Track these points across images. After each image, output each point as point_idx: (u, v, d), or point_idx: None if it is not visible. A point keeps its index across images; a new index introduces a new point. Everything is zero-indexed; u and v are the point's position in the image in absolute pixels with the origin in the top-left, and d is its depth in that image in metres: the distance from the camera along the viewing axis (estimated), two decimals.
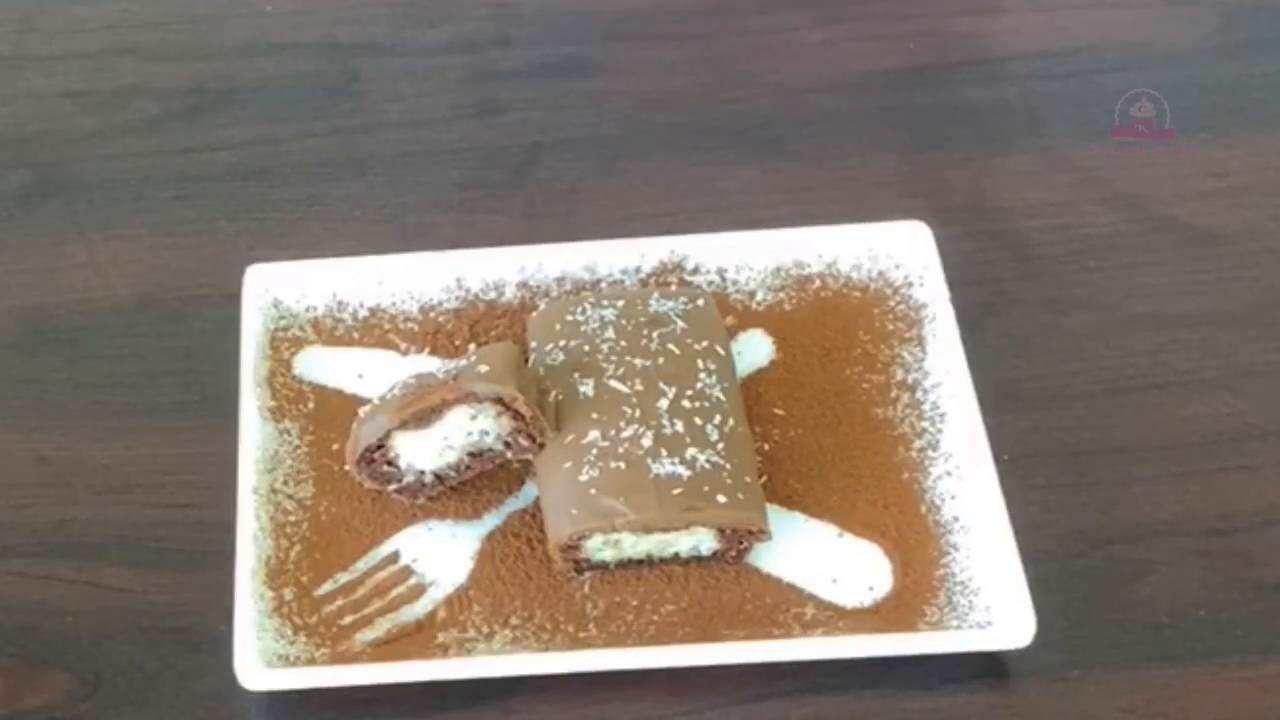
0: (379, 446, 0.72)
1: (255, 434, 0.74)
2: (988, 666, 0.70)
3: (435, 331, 0.79)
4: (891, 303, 0.79)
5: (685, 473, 0.70)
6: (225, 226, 0.85)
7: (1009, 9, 0.91)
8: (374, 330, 0.79)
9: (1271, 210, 0.84)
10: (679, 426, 0.71)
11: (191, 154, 0.85)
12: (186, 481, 0.76)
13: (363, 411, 0.73)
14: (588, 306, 0.76)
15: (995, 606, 0.70)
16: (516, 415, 0.72)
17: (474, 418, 0.72)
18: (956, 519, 0.73)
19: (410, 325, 0.79)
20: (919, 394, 0.76)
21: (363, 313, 0.79)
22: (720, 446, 0.71)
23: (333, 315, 0.79)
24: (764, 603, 0.71)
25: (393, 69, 0.92)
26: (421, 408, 0.71)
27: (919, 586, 0.71)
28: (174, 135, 0.87)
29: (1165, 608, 0.72)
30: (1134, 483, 0.75)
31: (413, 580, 0.72)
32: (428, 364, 0.77)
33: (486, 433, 0.72)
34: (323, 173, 0.87)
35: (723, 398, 0.73)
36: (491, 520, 0.74)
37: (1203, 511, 0.75)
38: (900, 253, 0.79)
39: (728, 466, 0.71)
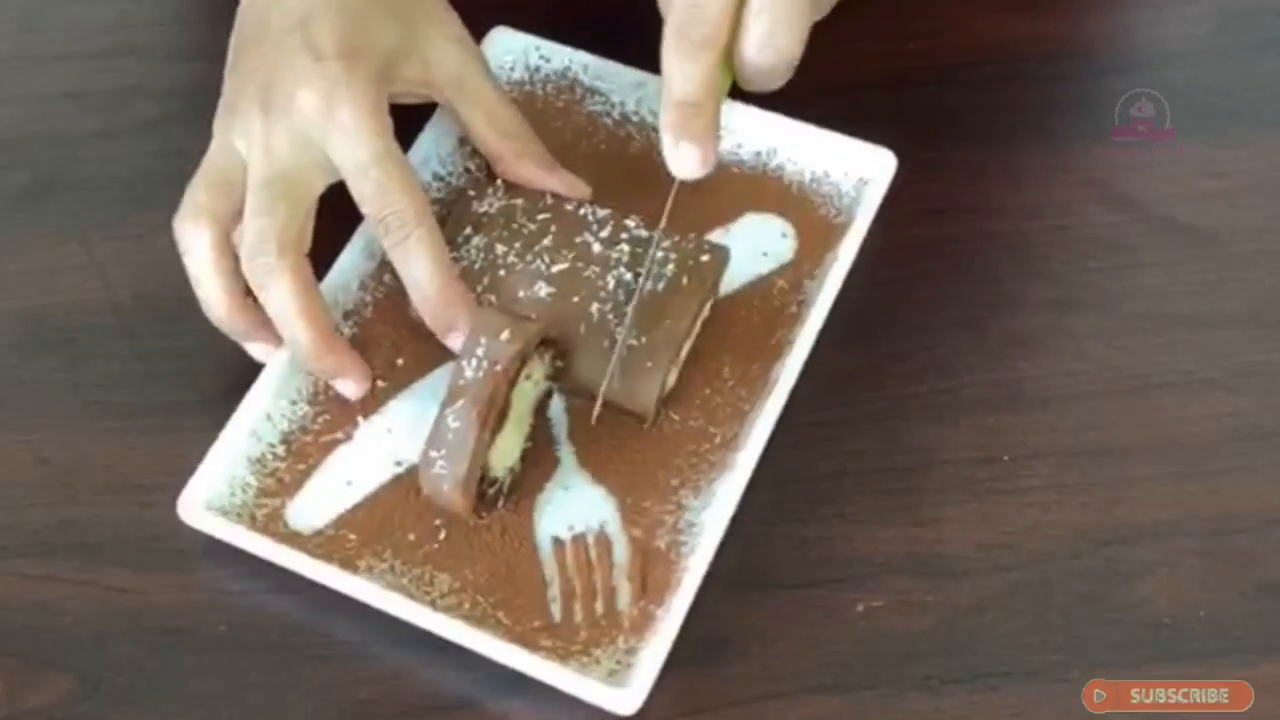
0: (480, 477, 0.71)
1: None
2: (988, 666, 0.71)
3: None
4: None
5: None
6: None
7: (1009, 9, 0.91)
8: (302, 455, 0.76)
9: (1271, 210, 0.84)
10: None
11: (191, 154, 0.84)
12: (186, 481, 0.76)
13: (430, 475, 0.71)
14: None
15: None
16: (544, 343, 0.72)
17: (528, 377, 0.72)
18: None
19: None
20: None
21: (279, 450, 0.76)
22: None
23: (260, 479, 0.75)
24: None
25: None
26: (495, 411, 0.70)
27: None
28: (174, 135, 0.87)
29: (1165, 608, 0.72)
30: (1134, 483, 0.76)
31: None
32: (399, 412, 0.76)
33: (538, 382, 0.73)
34: None
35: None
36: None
37: (1203, 511, 0.75)
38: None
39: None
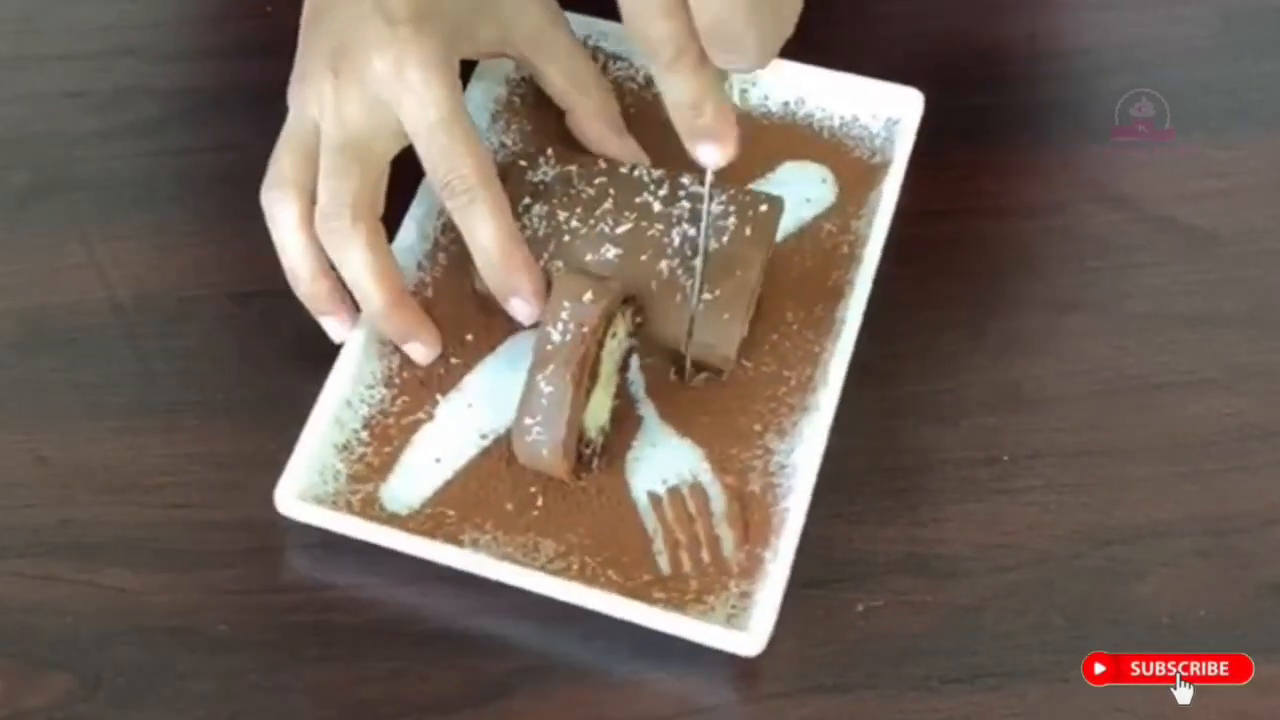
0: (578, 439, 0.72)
1: None
2: (988, 666, 0.71)
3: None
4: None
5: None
6: (225, 227, 0.84)
7: (1009, 9, 0.91)
8: (386, 437, 0.76)
9: (1271, 210, 0.84)
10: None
11: (191, 154, 0.85)
12: (186, 481, 0.76)
13: (526, 443, 0.72)
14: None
15: None
16: (625, 301, 0.73)
17: (614, 335, 0.73)
18: None
19: (413, 372, 0.77)
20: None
21: (362, 435, 0.76)
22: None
23: (349, 465, 0.75)
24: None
25: None
26: (587, 372, 0.71)
27: None
28: (174, 135, 0.87)
29: (1165, 608, 0.72)
30: (1134, 483, 0.76)
31: None
32: (471, 389, 0.76)
33: (622, 340, 0.74)
34: None
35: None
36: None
37: (1203, 511, 0.75)
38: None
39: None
